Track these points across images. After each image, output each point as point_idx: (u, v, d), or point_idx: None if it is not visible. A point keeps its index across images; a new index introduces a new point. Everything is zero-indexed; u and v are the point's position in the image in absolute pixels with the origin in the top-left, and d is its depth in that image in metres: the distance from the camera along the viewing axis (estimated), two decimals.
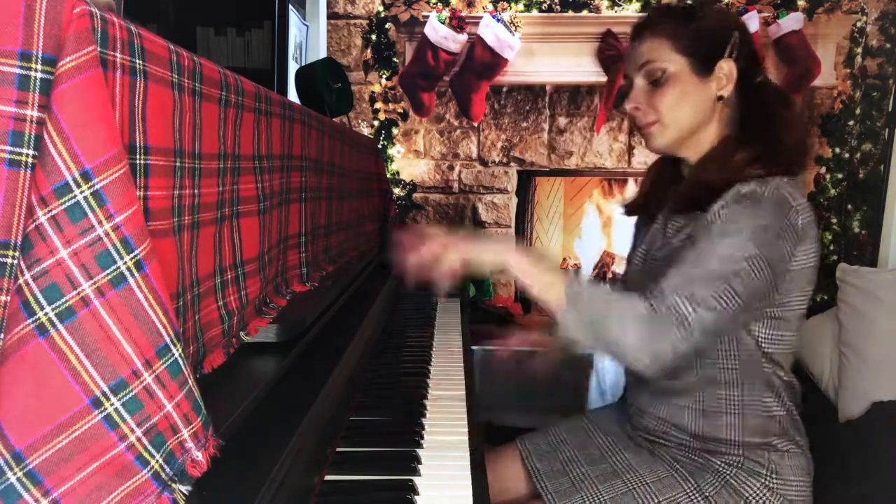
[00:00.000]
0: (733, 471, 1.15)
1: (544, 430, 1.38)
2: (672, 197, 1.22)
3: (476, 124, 3.28)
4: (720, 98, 1.15)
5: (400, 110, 3.28)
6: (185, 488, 0.52)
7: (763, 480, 1.13)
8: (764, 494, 1.13)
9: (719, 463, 1.16)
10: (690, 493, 1.14)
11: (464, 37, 3.15)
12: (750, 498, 1.13)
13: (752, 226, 1.03)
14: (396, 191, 3.29)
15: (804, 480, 1.16)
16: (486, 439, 1.08)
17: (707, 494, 1.14)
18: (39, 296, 0.44)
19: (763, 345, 1.13)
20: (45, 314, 0.45)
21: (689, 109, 1.15)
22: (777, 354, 1.14)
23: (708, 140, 1.17)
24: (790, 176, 1.10)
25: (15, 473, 0.44)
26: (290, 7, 2.73)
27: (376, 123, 3.28)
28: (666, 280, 1.04)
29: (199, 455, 0.53)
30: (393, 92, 3.26)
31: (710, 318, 1.00)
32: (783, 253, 1.06)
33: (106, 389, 0.46)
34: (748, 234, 1.03)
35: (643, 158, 3.23)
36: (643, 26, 1.19)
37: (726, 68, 1.13)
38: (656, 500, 1.14)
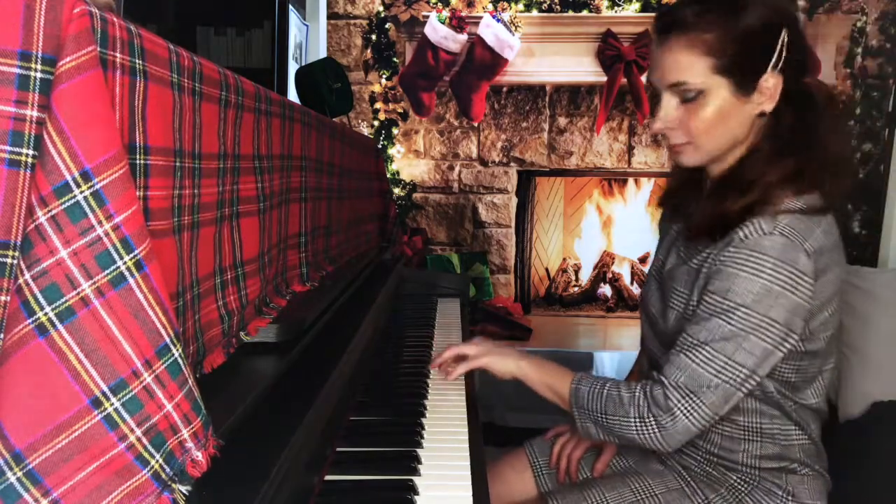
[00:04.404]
0: (749, 489, 1.10)
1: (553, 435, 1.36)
2: (687, 223, 1.11)
3: (476, 124, 3.28)
4: (762, 114, 1.01)
5: (400, 110, 3.28)
6: (184, 488, 0.52)
7: (779, 501, 1.09)
8: None
9: (735, 478, 1.12)
10: None
11: (464, 37, 3.15)
12: None
13: (754, 290, 0.95)
14: (396, 191, 3.28)
15: (821, 503, 1.12)
16: (486, 440, 1.08)
17: None
18: (39, 296, 0.44)
19: (786, 376, 1.06)
20: (45, 314, 0.45)
21: (726, 131, 1.01)
22: (801, 383, 1.07)
23: (736, 155, 1.04)
24: (823, 199, 1.00)
25: (15, 473, 0.44)
26: (290, 7, 2.73)
27: (376, 123, 3.28)
28: (669, 367, 1.00)
29: (199, 455, 0.53)
30: (393, 92, 3.26)
31: (719, 394, 0.98)
32: (796, 302, 0.96)
33: (106, 389, 0.46)
34: (751, 301, 0.95)
35: (643, 158, 3.23)
36: (672, 26, 0.99)
37: (772, 82, 0.98)
38: None
